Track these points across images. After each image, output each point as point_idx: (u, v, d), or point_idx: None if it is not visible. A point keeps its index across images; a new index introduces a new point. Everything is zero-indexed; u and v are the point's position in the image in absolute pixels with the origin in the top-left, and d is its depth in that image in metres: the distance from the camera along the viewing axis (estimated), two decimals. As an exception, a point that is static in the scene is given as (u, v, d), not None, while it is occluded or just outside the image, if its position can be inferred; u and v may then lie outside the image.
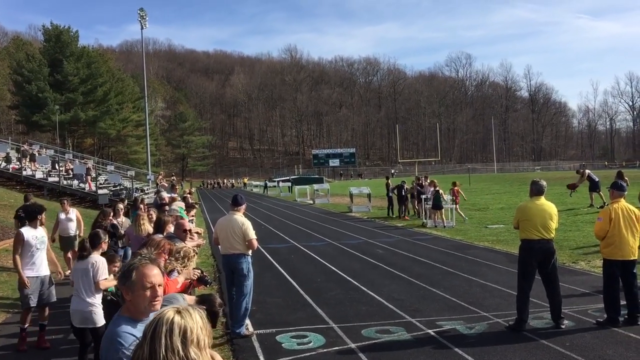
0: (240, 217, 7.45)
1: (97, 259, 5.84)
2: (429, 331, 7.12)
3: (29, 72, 62.43)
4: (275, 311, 8.44)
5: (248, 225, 7.35)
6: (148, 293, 2.52)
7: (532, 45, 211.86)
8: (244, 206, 7.68)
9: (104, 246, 6.17)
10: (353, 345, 6.64)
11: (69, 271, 12.15)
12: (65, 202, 12.77)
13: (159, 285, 2.59)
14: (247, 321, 7.45)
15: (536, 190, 7.53)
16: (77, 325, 5.81)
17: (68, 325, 6.25)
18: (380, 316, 7.93)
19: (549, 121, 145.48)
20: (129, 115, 76.82)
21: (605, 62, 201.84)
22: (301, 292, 9.76)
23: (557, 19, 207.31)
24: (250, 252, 7.44)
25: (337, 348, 6.58)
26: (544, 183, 7.62)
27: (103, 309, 5.74)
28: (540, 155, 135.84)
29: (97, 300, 5.80)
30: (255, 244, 7.41)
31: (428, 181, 22.47)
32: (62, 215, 12.30)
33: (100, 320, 5.75)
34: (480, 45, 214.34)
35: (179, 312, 1.75)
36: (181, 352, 1.66)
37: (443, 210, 19.86)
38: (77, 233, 12.56)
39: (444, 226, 19.33)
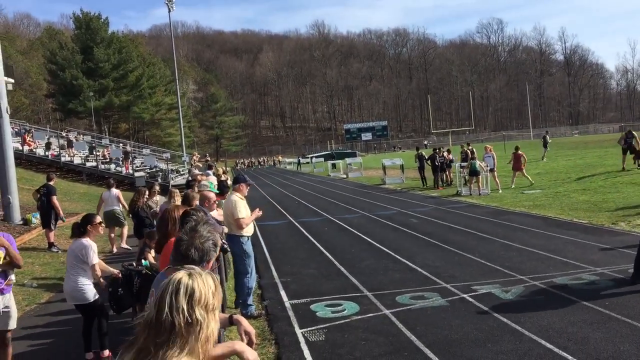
0: (235, 196, 7.13)
1: (88, 243, 5.85)
2: (464, 295, 7.06)
3: (63, 60, 63.49)
4: (309, 282, 8.48)
5: (236, 204, 7.02)
6: None
7: (566, 6, 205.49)
8: (241, 185, 7.31)
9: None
10: (387, 312, 6.63)
11: (115, 249, 12.68)
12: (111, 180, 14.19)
13: None
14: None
15: None
16: (71, 303, 5.93)
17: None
18: (415, 283, 7.90)
19: (585, 84, 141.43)
20: (161, 98, 77.69)
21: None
22: (335, 262, 9.78)
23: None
24: (243, 232, 7.09)
25: (371, 315, 6.58)
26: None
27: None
28: (578, 119, 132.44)
29: (85, 278, 5.78)
30: (242, 223, 7.00)
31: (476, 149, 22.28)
32: (107, 194, 13.24)
33: (91, 297, 5.77)
34: (511, 9, 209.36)
35: (189, 274, 1.76)
36: (185, 312, 1.66)
37: (480, 177, 19.60)
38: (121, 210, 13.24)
39: (479, 194, 19.09)
